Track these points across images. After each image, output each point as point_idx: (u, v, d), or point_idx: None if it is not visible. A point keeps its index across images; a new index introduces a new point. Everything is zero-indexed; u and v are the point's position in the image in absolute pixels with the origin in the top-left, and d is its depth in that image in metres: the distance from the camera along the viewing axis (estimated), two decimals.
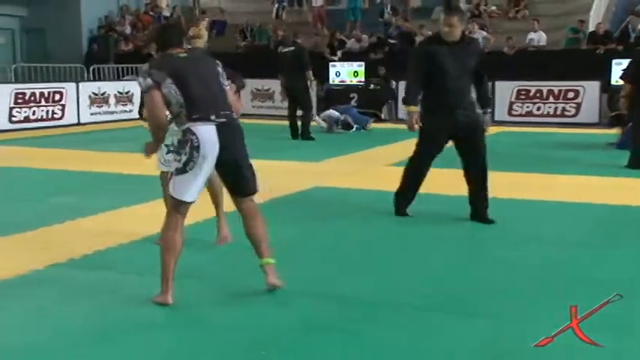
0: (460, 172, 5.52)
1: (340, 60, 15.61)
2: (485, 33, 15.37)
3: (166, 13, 20.36)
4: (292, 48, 11.50)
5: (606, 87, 13.01)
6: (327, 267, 4.39)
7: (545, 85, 13.86)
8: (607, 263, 4.47)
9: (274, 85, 15.54)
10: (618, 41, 14.22)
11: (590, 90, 13.61)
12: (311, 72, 11.34)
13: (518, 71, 13.83)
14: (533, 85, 13.92)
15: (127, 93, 15.13)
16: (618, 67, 11.77)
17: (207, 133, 3.52)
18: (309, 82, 11.49)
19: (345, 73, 15.11)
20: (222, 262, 4.51)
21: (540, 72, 13.79)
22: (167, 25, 4.27)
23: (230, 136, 3.61)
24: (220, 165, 3.63)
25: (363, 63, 14.99)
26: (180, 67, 3.58)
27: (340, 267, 4.39)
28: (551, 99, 13.88)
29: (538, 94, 13.92)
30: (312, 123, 11.80)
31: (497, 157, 8.78)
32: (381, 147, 10.32)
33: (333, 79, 14.79)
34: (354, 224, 5.57)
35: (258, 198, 3.87)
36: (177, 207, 3.63)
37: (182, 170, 3.55)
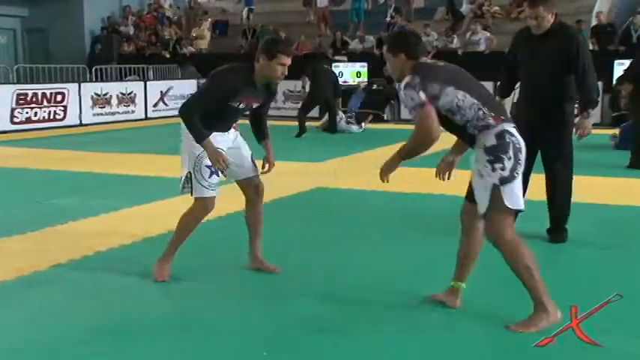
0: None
1: (344, 60, 15.62)
2: (488, 34, 15.35)
3: (169, 13, 20.39)
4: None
5: (609, 87, 12.97)
6: (327, 268, 4.38)
7: None
8: (611, 263, 4.46)
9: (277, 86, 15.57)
10: (620, 42, 14.20)
11: None
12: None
13: None
14: None
15: (129, 94, 15.13)
16: (620, 68, 11.73)
17: (519, 135, 3.23)
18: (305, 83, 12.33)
19: (348, 73, 15.10)
20: (219, 265, 4.50)
21: None
22: (410, 32, 3.74)
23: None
24: None
25: (365, 63, 14.98)
26: (452, 73, 3.29)
27: (340, 267, 4.38)
28: None
29: None
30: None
31: None
32: (383, 147, 10.28)
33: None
34: (355, 225, 5.56)
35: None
36: (511, 218, 3.26)
37: (510, 178, 3.15)
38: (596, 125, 14.21)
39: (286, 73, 3.91)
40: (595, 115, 14.19)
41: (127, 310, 3.65)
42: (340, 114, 12.90)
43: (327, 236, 5.23)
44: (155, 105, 15.68)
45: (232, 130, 4.09)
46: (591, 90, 4.78)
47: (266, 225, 5.61)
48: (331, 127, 12.52)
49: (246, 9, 19.46)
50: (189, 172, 3.96)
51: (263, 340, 3.26)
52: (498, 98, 5.12)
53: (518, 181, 3.21)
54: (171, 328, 3.45)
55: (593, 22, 15.13)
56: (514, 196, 3.19)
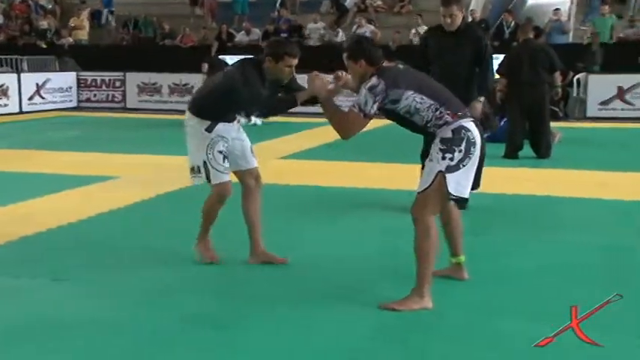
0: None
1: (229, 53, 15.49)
2: (372, 27, 15.69)
3: (44, 2, 19.42)
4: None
5: None
6: (215, 264, 4.34)
7: None
8: (488, 249, 4.69)
9: (162, 79, 15.22)
10: (494, 37, 14.93)
11: None
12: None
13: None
14: None
15: (1, 86, 14.30)
16: (495, 62, 12.30)
17: (475, 130, 3.50)
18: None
19: None
20: (102, 263, 4.36)
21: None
22: (366, 39, 3.93)
23: (481, 133, 3.57)
24: None
25: (252, 56, 14.92)
26: (412, 77, 3.54)
27: (230, 261, 4.35)
28: None
29: None
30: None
31: (381, 149, 9.02)
32: (271, 140, 10.32)
33: None
34: (240, 219, 5.52)
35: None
36: (438, 205, 3.50)
37: (455, 167, 3.41)
38: None
39: (293, 72, 4.00)
40: None
41: (4, 311, 3.49)
42: None
43: (214, 230, 5.17)
44: (31, 98, 14.91)
45: (236, 121, 4.22)
46: (489, 81, 5.51)
47: (152, 219, 5.51)
48: None
49: (106, 10, 18.72)
50: (204, 161, 4.05)
51: (147, 337, 3.20)
52: None
53: (465, 172, 3.45)
54: (52, 327, 3.30)
55: (469, 19, 15.81)
56: (457, 185, 3.43)
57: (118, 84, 15.86)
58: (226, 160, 4.09)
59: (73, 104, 15.86)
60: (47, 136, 11.05)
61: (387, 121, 3.73)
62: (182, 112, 14.75)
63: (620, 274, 4.13)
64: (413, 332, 3.26)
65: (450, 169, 3.41)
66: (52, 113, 14.74)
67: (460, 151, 3.42)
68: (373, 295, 3.69)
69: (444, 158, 3.42)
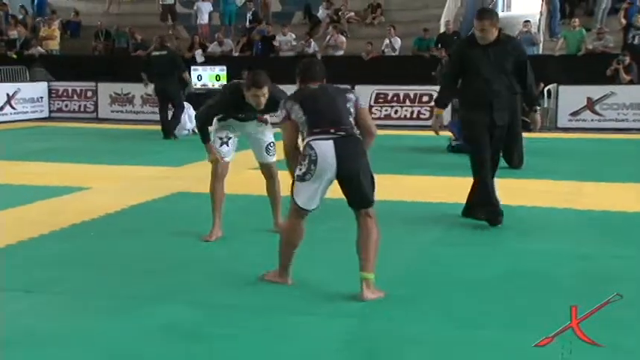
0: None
1: (203, 63, 15.46)
2: (343, 38, 15.77)
3: (15, 12, 19.21)
4: (165, 52, 12.01)
5: None
6: (191, 273, 4.33)
7: (401, 89, 14.38)
8: (461, 258, 4.74)
9: (134, 90, 15.11)
10: None
11: None
12: (187, 73, 12.40)
13: (377, 75, 14.27)
14: (390, 89, 14.42)
15: None
16: None
17: (323, 148, 3.76)
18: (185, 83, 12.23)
19: (207, 76, 14.96)
20: (69, 275, 4.31)
21: (397, 76, 14.30)
22: (306, 62, 4.20)
23: (348, 148, 3.80)
24: (339, 176, 3.82)
25: (225, 67, 14.92)
26: (308, 94, 3.93)
27: (206, 272, 4.34)
28: (407, 102, 14.46)
29: (395, 98, 14.47)
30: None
31: None
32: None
33: (195, 83, 14.59)
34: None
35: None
36: (295, 209, 3.90)
37: (300, 178, 3.83)
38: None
39: (261, 104, 4.59)
40: (446, 118, 14.91)
41: None
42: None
43: (188, 240, 5.15)
44: (1, 109, 14.71)
45: (255, 120, 5.00)
46: (534, 90, 5.80)
47: (125, 230, 5.46)
48: (170, 126, 11.58)
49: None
50: (212, 140, 5.04)
51: (119, 349, 3.17)
52: (437, 109, 5.85)
53: (308, 185, 3.80)
54: (25, 340, 3.26)
55: (442, 30, 15.96)
56: (298, 193, 3.85)
57: (90, 94, 15.72)
58: (224, 146, 5.06)
59: (45, 114, 15.68)
60: (18, 147, 10.91)
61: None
62: (155, 122, 14.68)
63: (589, 282, 4.20)
64: (383, 341, 3.28)
65: (298, 177, 3.84)
66: (24, 124, 14.56)
67: (304, 165, 3.79)
68: (342, 304, 3.72)
69: (299, 169, 3.83)
